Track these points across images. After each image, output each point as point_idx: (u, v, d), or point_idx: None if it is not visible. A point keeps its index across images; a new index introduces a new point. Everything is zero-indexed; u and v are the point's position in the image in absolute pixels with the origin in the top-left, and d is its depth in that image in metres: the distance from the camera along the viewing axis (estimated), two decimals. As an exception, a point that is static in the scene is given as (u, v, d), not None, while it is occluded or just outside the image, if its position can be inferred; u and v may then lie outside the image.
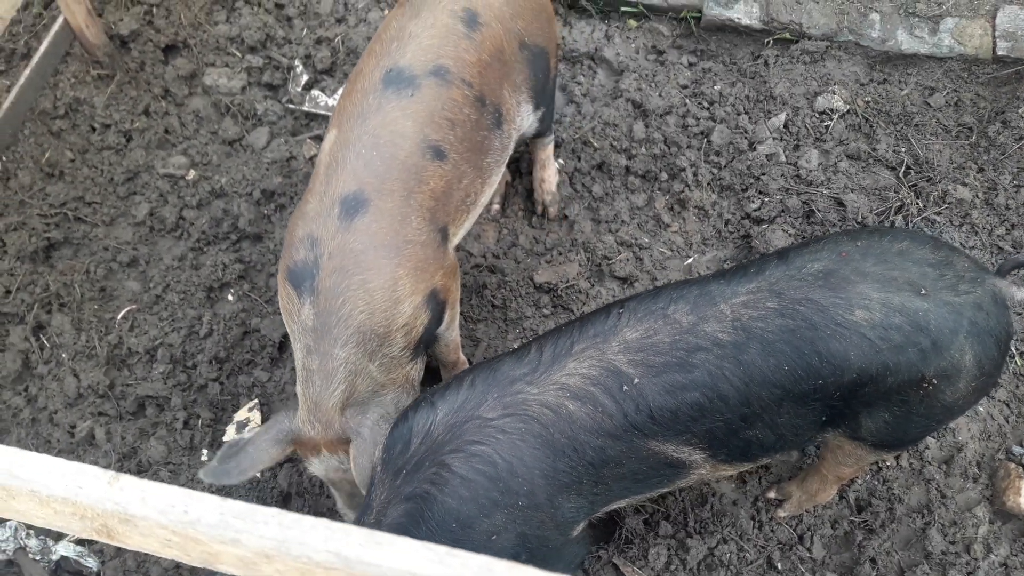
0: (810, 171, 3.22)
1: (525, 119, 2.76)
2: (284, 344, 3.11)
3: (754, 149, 3.29)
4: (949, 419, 2.11)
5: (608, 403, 1.99)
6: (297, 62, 3.63)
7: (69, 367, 3.13)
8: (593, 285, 3.13)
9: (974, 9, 3.38)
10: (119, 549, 2.82)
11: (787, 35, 3.45)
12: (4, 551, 2.77)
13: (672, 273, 3.13)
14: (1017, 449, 2.76)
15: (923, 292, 1.92)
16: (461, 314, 3.06)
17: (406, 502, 2.00)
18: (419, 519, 1.98)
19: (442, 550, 0.98)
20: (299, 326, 2.27)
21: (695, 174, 3.27)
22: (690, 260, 3.16)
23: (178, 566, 2.78)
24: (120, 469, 2.96)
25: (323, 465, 2.36)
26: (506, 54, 2.54)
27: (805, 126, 3.32)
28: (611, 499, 2.19)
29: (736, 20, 3.46)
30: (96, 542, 2.85)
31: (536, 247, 3.23)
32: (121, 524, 1.11)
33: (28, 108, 3.54)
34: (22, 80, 3.48)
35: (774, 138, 3.31)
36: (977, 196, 3.13)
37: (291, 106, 3.57)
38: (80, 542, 2.85)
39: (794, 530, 2.70)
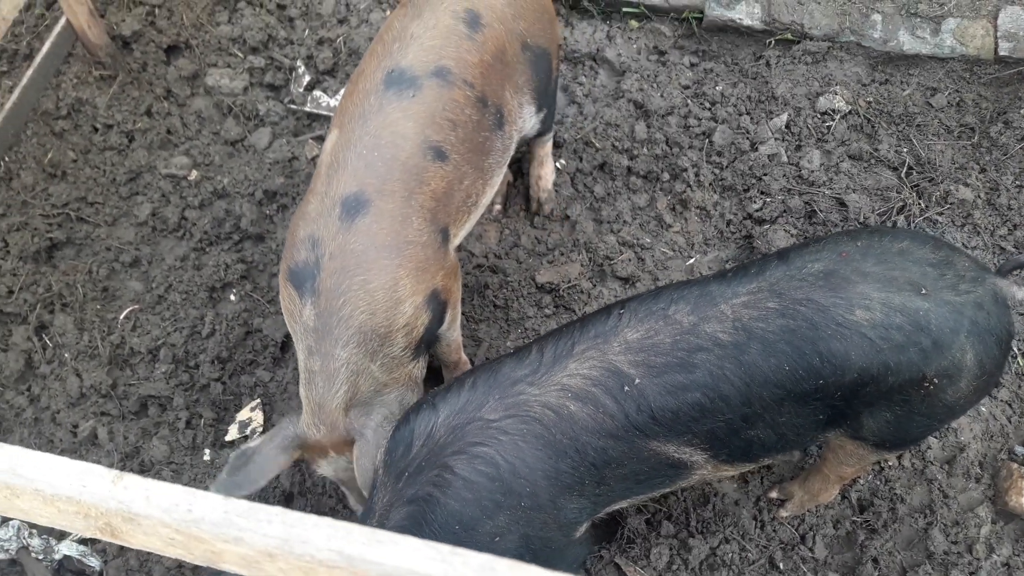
0: (812, 171, 3.22)
1: (528, 121, 2.76)
2: (286, 344, 3.11)
3: (756, 149, 3.29)
4: (951, 418, 2.11)
5: (610, 404, 1.99)
6: (299, 63, 3.64)
7: (72, 367, 3.13)
8: (595, 285, 3.13)
9: (976, 10, 3.38)
10: (122, 548, 2.82)
11: (789, 36, 3.45)
12: (7, 550, 2.78)
13: (674, 273, 3.13)
14: (1019, 449, 2.75)
15: (924, 292, 1.93)
16: (463, 314, 3.06)
17: (408, 505, 2.00)
18: (422, 522, 1.98)
19: (444, 548, 0.98)
20: (301, 327, 2.27)
21: (697, 174, 3.27)
22: (692, 260, 3.16)
23: (180, 565, 2.78)
24: (122, 469, 2.96)
25: (332, 466, 2.36)
26: (508, 55, 2.54)
27: (807, 126, 3.32)
28: (613, 500, 2.19)
29: (738, 21, 3.46)
30: (99, 541, 2.86)
31: (538, 247, 3.23)
32: (125, 523, 1.11)
33: (31, 108, 3.55)
34: (24, 80, 3.49)
35: (776, 138, 3.31)
36: (979, 196, 3.13)
37: (293, 107, 3.58)
38: (83, 541, 2.85)
39: (796, 530, 2.70)
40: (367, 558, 1.00)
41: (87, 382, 3.09)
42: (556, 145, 3.38)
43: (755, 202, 3.19)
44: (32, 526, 2.83)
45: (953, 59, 3.33)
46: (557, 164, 3.35)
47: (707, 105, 3.41)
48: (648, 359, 1.99)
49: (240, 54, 3.67)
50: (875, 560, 2.63)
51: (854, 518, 2.71)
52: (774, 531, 2.70)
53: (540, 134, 2.98)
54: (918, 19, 3.40)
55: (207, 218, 3.35)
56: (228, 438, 2.98)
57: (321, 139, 3.50)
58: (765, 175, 3.23)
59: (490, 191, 2.66)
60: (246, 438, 2.97)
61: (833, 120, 3.32)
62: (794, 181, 3.22)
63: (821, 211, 3.13)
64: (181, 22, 3.70)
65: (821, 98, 3.35)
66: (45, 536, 2.82)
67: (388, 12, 3.71)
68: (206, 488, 2.75)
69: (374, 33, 3.65)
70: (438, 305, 2.41)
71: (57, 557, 2.80)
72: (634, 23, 3.62)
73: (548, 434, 1.99)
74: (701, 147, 3.33)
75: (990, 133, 3.24)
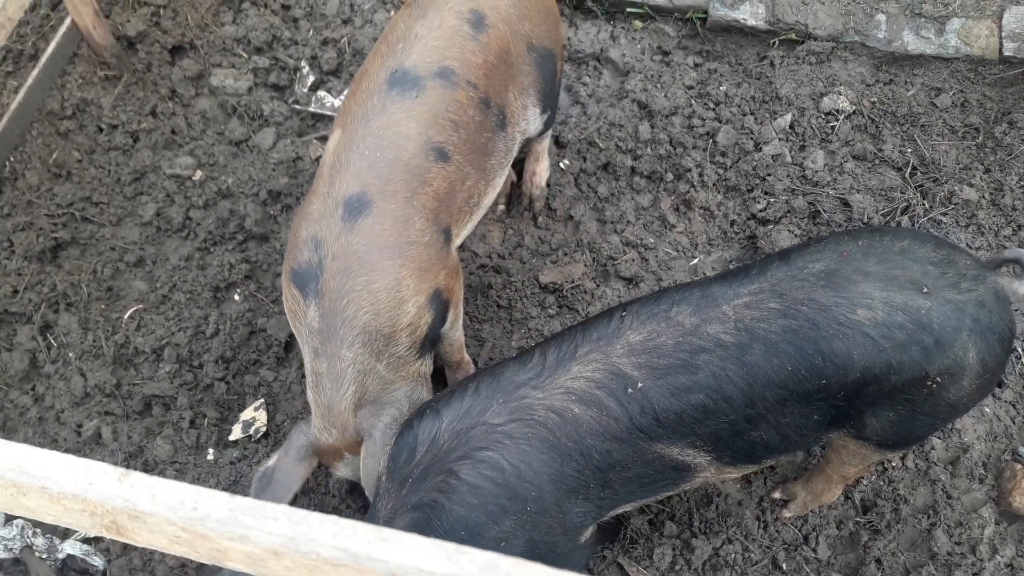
0: (816, 172, 3.21)
1: (531, 122, 2.76)
2: (290, 344, 3.12)
3: (760, 150, 3.29)
4: (953, 417, 2.11)
5: (613, 406, 1.99)
6: (303, 63, 3.64)
7: (76, 366, 3.14)
8: (599, 285, 3.14)
9: (980, 10, 3.38)
10: (125, 547, 2.83)
11: (793, 36, 3.45)
12: (11, 549, 2.79)
13: (678, 274, 3.13)
14: (1023, 450, 2.75)
15: (925, 290, 1.93)
16: (466, 314, 3.06)
17: (413, 511, 1.99)
18: (427, 528, 1.97)
19: (450, 546, 0.98)
20: (305, 328, 2.28)
21: (701, 175, 3.27)
22: (696, 261, 3.16)
23: (183, 565, 2.79)
24: (126, 468, 2.97)
25: (349, 467, 2.37)
26: (512, 56, 2.54)
27: (811, 127, 3.32)
28: (617, 503, 2.19)
29: (742, 21, 3.46)
30: (102, 540, 2.86)
31: (541, 247, 3.23)
32: (130, 521, 1.12)
33: (36, 109, 3.56)
34: (30, 81, 3.50)
35: (780, 139, 3.31)
36: (983, 197, 3.13)
37: (297, 107, 3.59)
38: (86, 540, 2.86)
39: (799, 530, 2.70)
40: (373, 556, 1.00)
41: (91, 382, 3.09)
42: (560, 145, 3.38)
43: (759, 202, 3.19)
44: (36, 525, 2.84)
45: (957, 59, 3.33)
46: (561, 164, 3.36)
47: (711, 105, 3.41)
48: (651, 361, 1.99)
49: (244, 54, 3.68)
50: (878, 561, 2.63)
51: (857, 519, 2.71)
52: (777, 531, 2.70)
53: (540, 133, 2.98)
54: (922, 19, 3.39)
55: (211, 218, 3.35)
56: (232, 438, 2.98)
57: (325, 139, 3.50)
58: (769, 175, 3.23)
59: (492, 192, 2.66)
60: (249, 438, 2.98)
61: (837, 120, 3.32)
62: (798, 181, 3.22)
63: (825, 211, 3.13)
64: (186, 23, 3.71)
65: (825, 98, 3.35)
66: (48, 535, 2.82)
67: (392, 12, 3.71)
68: (213, 486, 2.75)
69: (378, 33, 3.65)
70: (441, 305, 2.42)
71: (61, 556, 2.80)
72: (638, 23, 3.62)
73: (553, 438, 1.99)
74: (705, 147, 3.33)
75: (994, 133, 3.24)
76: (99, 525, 1.14)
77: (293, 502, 2.88)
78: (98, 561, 2.81)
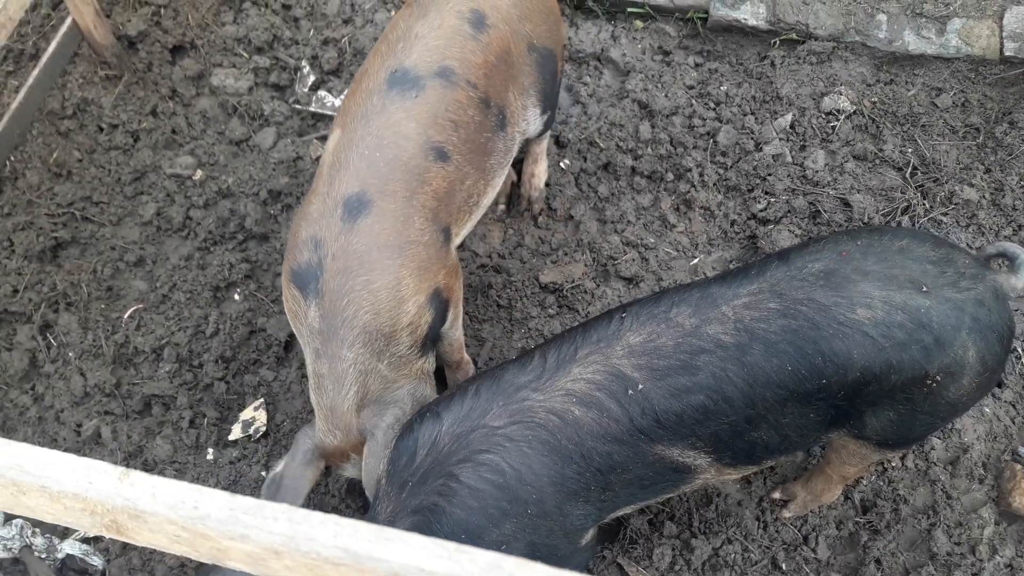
0: (816, 172, 3.21)
1: (531, 123, 2.75)
2: (290, 343, 3.12)
3: (760, 150, 3.29)
4: (953, 416, 2.11)
5: (614, 408, 1.99)
6: (304, 63, 3.64)
7: (76, 366, 3.14)
8: (599, 285, 3.13)
9: (981, 10, 3.38)
10: (124, 547, 2.83)
11: (794, 36, 3.45)
12: (10, 549, 2.78)
13: (678, 273, 3.13)
14: (1023, 450, 2.75)
15: (924, 289, 1.93)
16: (466, 314, 3.06)
17: (413, 515, 1.99)
18: (427, 532, 1.97)
19: (451, 546, 0.98)
20: (306, 329, 2.27)
21: (701, 174, 3.27)
22: (696, 260, 3.16)
23: (183, 565, 2.79)
24: (126, 468, 2.97)
25: (356, 468, 2.37)
26: (513, 56, 2.54)
27: (811, 127, 3.32)
28: (617, 506, 2.19)
29: (742, 21, 3.46)
30: (102, 540, 2.86)
31: (542, 247, 3.23)
32: (131, 520, 1.11)
33: (36, 108, 3.56)
34: (30, 80, 3.50)
35: (780, 139, 3.31)
36: (984, 197, 3.13)
37: (298, 106, 3.58)
38: (86, 540, 2.86)
39: (799, 531, 2.70)
40: (373, 555, 1.00)
41: (91, 381, 3.09)
42: (560, 145, 3.38)
43: (759, 202, 3.19)
44: (35, 525, 2.84)
45: (958, 59, 3.33)
46: (561, 164, 3.36)
47: (711, 105, 3.41)
48: (651, 362, 1.99)
49: (245, 54, 3.67)
50: (878, 561, 2.63)
51: (857, 519, 2.70)
52: (777, 532, 2.70)
53: (539, 134, 2.98)
54: (923, 19, 3.39)
55: (212, 218, 3.35)
56: (231, 437, 2.98)
57: (325, 139, 3.50)
58: (769, 175, 3.23)
59: (492, 191, 2.66)
60: (249, 437, 2.98)
61: (838, 120, 3.32)
62: (798, 181, 3.22)
63: (825, 211, 3.13)
64: (186, 22, 3.71)
65: (826, 98, 3.35)
66: (48, 535, 2.82)
67: (393, 12, 3.71)
68: (214, 486, 2.75)
69: (379, 33, 3.65)
70: (440, 304, 2.42)
71: (60, 556, 2.80)
72: (639, 23, 3.62)
73: (553, 440, 1.99)
74: (705, 147, 3.33)
75: (995, 133, 3.24)
76: (99, 524, 1.14)
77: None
78: (97, 561, 2.81)
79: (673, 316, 2.02)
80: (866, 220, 3.10)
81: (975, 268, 1.99)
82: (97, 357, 3.15)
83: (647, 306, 2.07)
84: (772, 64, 3.45)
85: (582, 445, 1.99)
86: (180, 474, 2.95)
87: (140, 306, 3.24)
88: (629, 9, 3.60)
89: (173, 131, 3.56)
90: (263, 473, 2.92)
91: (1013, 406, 2.83)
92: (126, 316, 3.21)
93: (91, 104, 3.57)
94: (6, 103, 3.58)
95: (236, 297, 3.23)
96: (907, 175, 3.20)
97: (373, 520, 2.04)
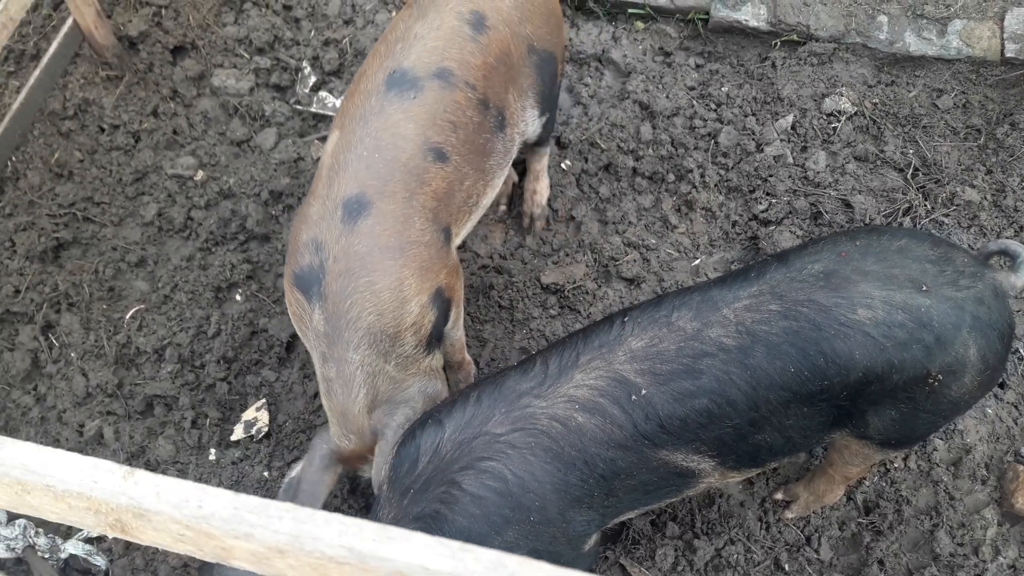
0: (818, 173, 3.22)
1: (530, 124, 2.75)
2: (292, 344, 3.12)
3: (761, 151, 3.29)
4: (955, 414, 2.12)
5: (617, 414, 1.98)
6: (305, 63, 3.65)
7: (78, 366, 3.14)
8: (600, 286, 3.14)
9: (982, 11, 3.38)
10: (127, 547, 2.83)
11: (795, 37, 3.45)
12: (13, 549, 2.78)
13: (679, 274, 3.13)
14: (1025, 451, 2.75)
15: (924, 288, 1.93)
16: (468, 314, 3.06)
17: (415, 522, 1.98)
18: None
19: (455, 545, 0.98)
20: (312, 333, 2.27)
21: (702, 175, 3.27)
22: (697, 261, 3.16)
23: (185, 564, 2.79)
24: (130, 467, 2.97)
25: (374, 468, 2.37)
26: (513, 58, 2.53)
27: (813, 128, 3.32)
28: (621, 511, 2.19)
29: (743, 22, 3.46)
30: (105, 540, 2.86)
31: (543, 248, 3.23)
32: (135, 519, 1.11)
33: (37, 109, 3.56)
34: (32, 81, 3.50)
35: (781, 140, 3.31)
36: (985, 198, 3.13)
37: (299, 107, 3.59)
38: (89, 540, 2.86)
39: (801, 531, 2.70)
40: (377, 554, 1.00)
41: (93, 381, 3.09)
42: (561, 146, 3.39)
43: (761, 203, 3.19)
44: (38, 525, 2.84)
45: (959, 60, 3.33)
46: (562, 165, 3.36)
47: (713, 106, 3.41)
48: (654, 367, 1.98)
49: (246, 55, 3.68)
50: (881, 562, 2.63)
51: (859, 520, 2.70)
52: (779, 532, 2.70)
53: (539, 143, 2.96)
54: (924, 20, 3.40)
55: (213, 218, 3.35)
56: (234, 438, 2.98)
57: (326, 139, 3.50)
58: (771, 176, 3.23)
59: (491, 192, 2.66)
60: (251, 438, 2.98)
61: (839, 121, 3.32)
62: (800, 182, 3.22)
63: (827, 212, 3.13)
64: (187, 23, 3.72)
65: (827, 99, 3.35)
66: (51, 535, 2.82)
67: (394, 13, 3.72)
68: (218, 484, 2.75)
69: (380, 34, 3.65)
70: (443, 303, 2.42)
71: (63, 556, 2.80)
72: (639, 24, 3.62)
73: (556, 447, 1.98)
74: (707, 148, 3.33)
75: (996, 135, 3.24)
76: (103, 523, 1.14)
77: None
78: (100, 561, 2.80)
79: (674, 320, 2.02)
80: (867, 221, 3.10)
81: (974, 266, 2.00)
82: (99, 357, 3.15)
83: (648, 310, 2.07)
84: (773, 65, 3.45)
85: (585, 452, 1.99)
86: (182, 475, 2.95)
87: (142, 306, 3.24)
88: (630, 10, 3.61)
89: (174, 132, 3.56)
90: (265, 473, 2.92)
91: (1015, 407, 2.83)
92: (128, 316, 3.21)
93: (92, 104, 3.57)
94: (7, 103, 3.58)
95: (238, 298, 3.23)
96: (908, 176, 3.20)
97: None
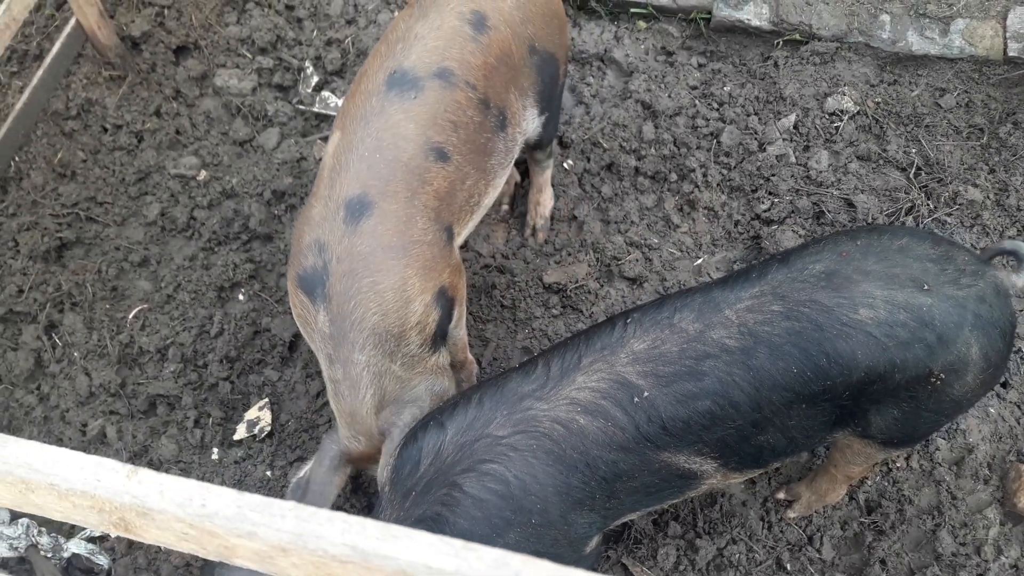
0: (820, 172, 3.21)
1: (530, 124, 2.75)
2: (294, 343, 3.12)
3: (764, 150, 3.29)
4: (958, 413, 2.12)
5: (620, 416, 1.98)
6: (307, 63, 3.65)
7: (81, 366, 3.14)
8: (602, 286, 3.14)
9: (985, 10, 3.38)
10: (130, 546, 2.83)
11: (797, 36, 3.45)
12: (16, 548, 2.79)
13: (681, 274, 3.13)
14: (1028, 451, 2.75)
15: (926, 288, 1.93)
16: (470, 314, 3.06)
17: (416, 525, 1.97)
18: None
19: (458, 543, 0.98)
20: (318, 334, 2.27)
21: (705, 175, 3.27)
22: (700, 261, 3.16)
23: (188, 564, 2.79)
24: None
25: None
26: (514, 58, 2.53)
27: (815, 127, 3.32)
28: (623, 513, 2.19)
29: (746, 21, 3.46)
30: (107, 539, 2.87)
31: (545, 247, 3.23)
32: (139, 517, 1.11)
33: (40, 109, 3.57)
34: (35, 81, 3.51)
35: (784, 139, 3.31)
36: (988, 197, 3.13)
37: (301, 107, 3.59)
38: (91, 539, 2.86)
39: (804, 531, 2.70)
40: (381, 553, 1.00)
41: (96, 381, 3.10)
42: (564, 145, 3.39)
43: (763, 203, 3.19)
44: (41, 524, 2.84)
45: (962, 60, 3.33)
46: (564, 165, 3.36)
47: (715, 106, 3.41)
48: (656, 369, 1.98)
49: (249, 55, 3.68)
50: (883, 561, 2.63)
51: (862, 519, 2.70)
52: (781, 532, 2.70)
53: (540, 148, 2.94)
54: (927, 20, 3.39)
55: (216, 218, 3.36)
56: (236, 437, 2.98)
57: (328, 140, 3.51)
58: (773, 176, 3.23)
59: (493, 191, 2.66)
60: (254, 437, 2.98)
61: (841, 121, 3.32)
62: (802, 182, 3.22)
63: (829, 212, 3.13)
64: (190, 23, 3.72)
65: (829, 99, 3.35)
66: (53, 534, 2.83)
67: (396, 13, 3.72)
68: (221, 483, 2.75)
69: (382, 34, 3.65)
70: (446, 302, 2.42)
71: (66, 555, 2.81)
72: (642, 24, 3.62)
73: (558, 449, 1.98)
74: (709, 147, 3.33)
75: (999, 134, 3.24)
76: (107, 522, 1.14)
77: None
78: (103, 560, 2.81)
79: (676, 321, 2.02)
80: (870, 220, 3.10)
81: (975, 265, 2.00)
82: (102, 357, 3.16)
83: (650, 312, 2.07)
84: (775, 65, 3.45)
85: (587, 454, 1.98)
86: (185, 474, 2.96)
87: (145, 306, 3.24)
88: (632, 10, 3.61)
89: (177, 132, 3.56)
90: (267, 473, 2.92)
91: (1018, 406, 2.83)
92: (131, 316, 3.22)
93: (95, 105, 3.58)
94: (10, 104, 3.59)
95: (240, 297, 3.24)
96: (911, 175, 3.20)
97: None
